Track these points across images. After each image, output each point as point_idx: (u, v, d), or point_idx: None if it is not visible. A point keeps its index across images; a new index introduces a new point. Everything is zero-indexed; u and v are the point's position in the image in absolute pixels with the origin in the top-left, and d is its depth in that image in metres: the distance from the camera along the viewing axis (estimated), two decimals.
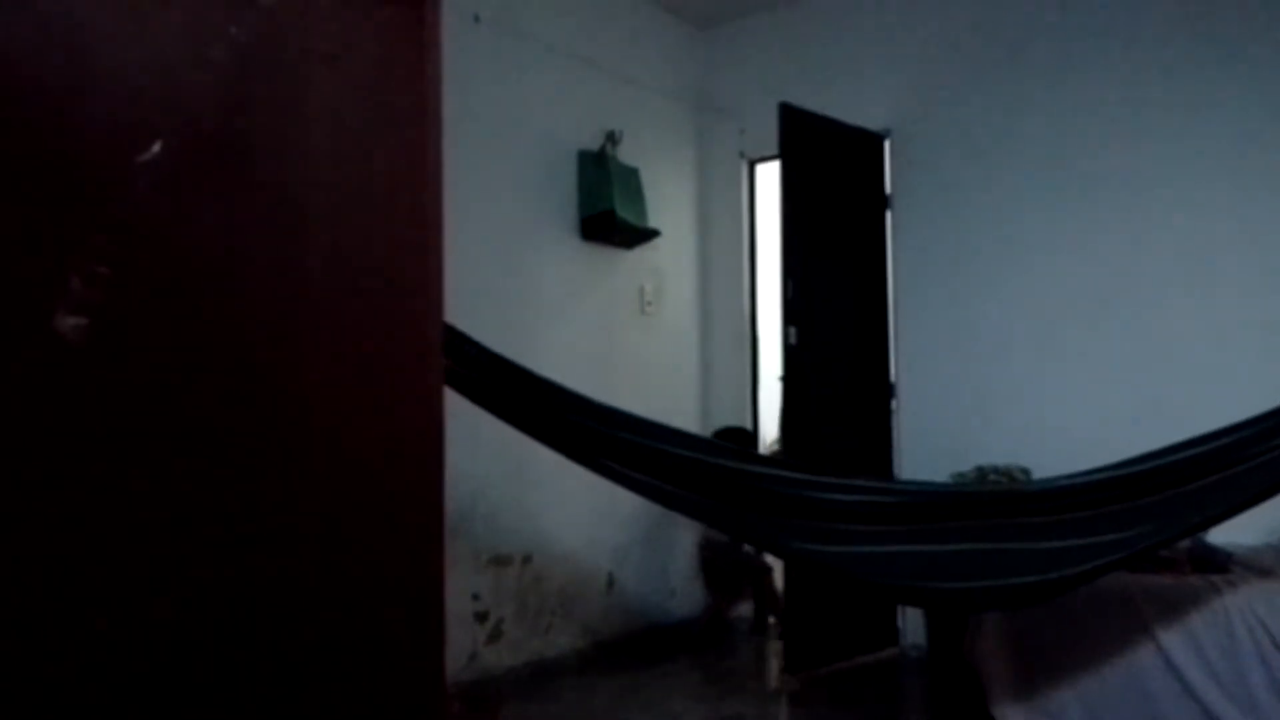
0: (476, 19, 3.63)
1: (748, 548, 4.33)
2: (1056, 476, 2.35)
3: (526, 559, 3.78)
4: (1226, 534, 2.90)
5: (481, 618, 3.59)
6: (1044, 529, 2.21)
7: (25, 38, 0.83)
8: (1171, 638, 2.59)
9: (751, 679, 3.93)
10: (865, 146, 4.15)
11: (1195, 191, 3.51)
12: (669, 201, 4.57)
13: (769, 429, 4.96)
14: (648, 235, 4.30)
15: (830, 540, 2.29)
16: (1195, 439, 2.21)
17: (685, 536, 4.51)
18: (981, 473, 3.47)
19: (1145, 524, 2.17)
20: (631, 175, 4.24)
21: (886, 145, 4.17)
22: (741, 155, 4.75)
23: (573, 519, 3.92)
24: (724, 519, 2.46)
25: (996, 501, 2.37)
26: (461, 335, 2.28)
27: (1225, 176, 3.46)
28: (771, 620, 4.40)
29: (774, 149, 4.71)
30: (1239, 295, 3.41)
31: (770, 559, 4.28)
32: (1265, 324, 3.36)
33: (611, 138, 4.14)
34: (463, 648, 3.48)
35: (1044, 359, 3.80)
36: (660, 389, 4.51)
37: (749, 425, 4.71)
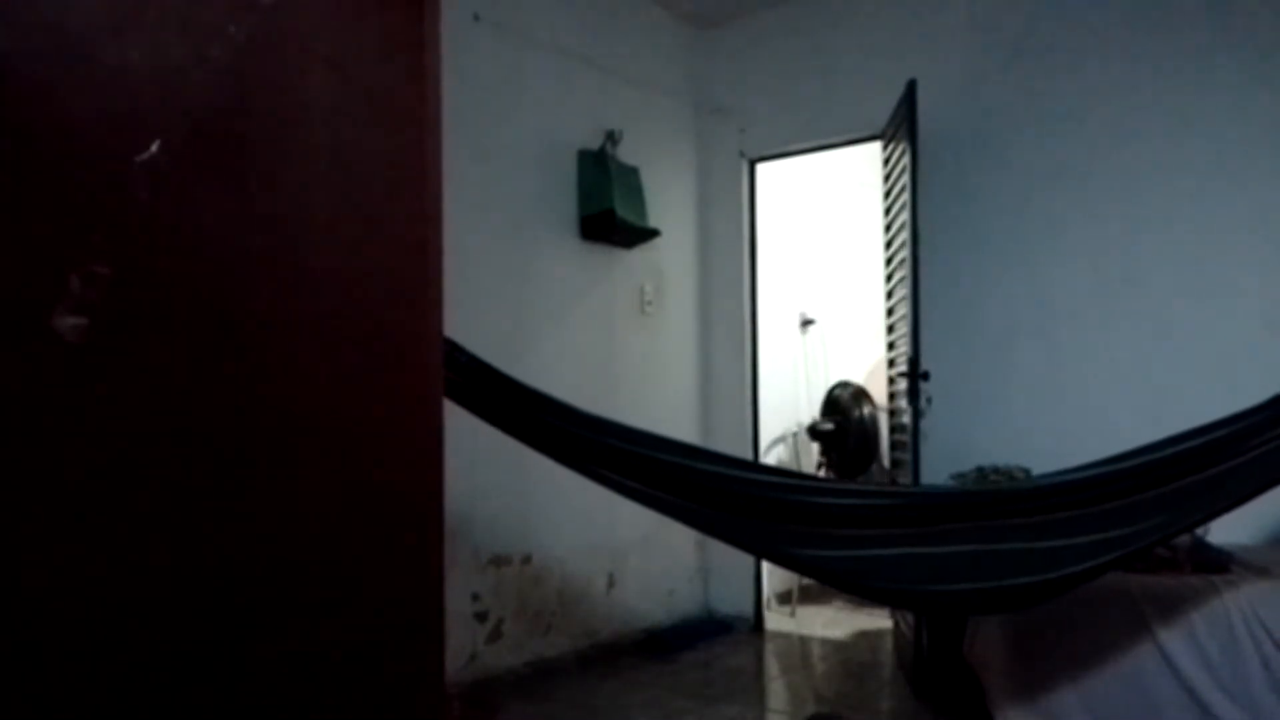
0: (476, 18, 3.62)
1: None
2: (1053, 472, 2.34)
3: (526, 559, 3.78)
4: (1226, 534, 2.91)
5: (481, 618, 3.59)
6: (1044, 527, 2.20)
7: (25, 38, 0.83)
8: (1171, 638, 2.59)
9: (752, 680, 3.93)
10: None
11: (1199, 190, 3.51)
12: (669, 201, 4.57)
13: (768, 428, 4.96)
14: (648, 235, 4.29)
15: (828, 545, 2.28)
16: (1192, 431, 2.19)
17: (684, 537, 4.50)
18: (982, 473, 3.47)
19: (1146, 519, 2.16)
20: (631, 175, 4.23)
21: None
22: (741, 155, 4.75)
23: (573, 519, 3.92)
24: (719, 526, 2.44)
25: (995, 501, 2.35)
26: (452, 343, 2.27)
27: (1230, 175, 3.45)
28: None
29: (774, 149, 4.75)
30: (1243, 295, 3.41)
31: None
32: (1270, 324, 3.36)
33: (611, 137, 4.14)
34: (463, 648, 3.48)
35: (1045, 359, 3.80)
36: (660, 389, 4.51)
37: (749, 426, 4.71)
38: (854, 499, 2.43)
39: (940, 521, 2.27)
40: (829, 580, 2.50)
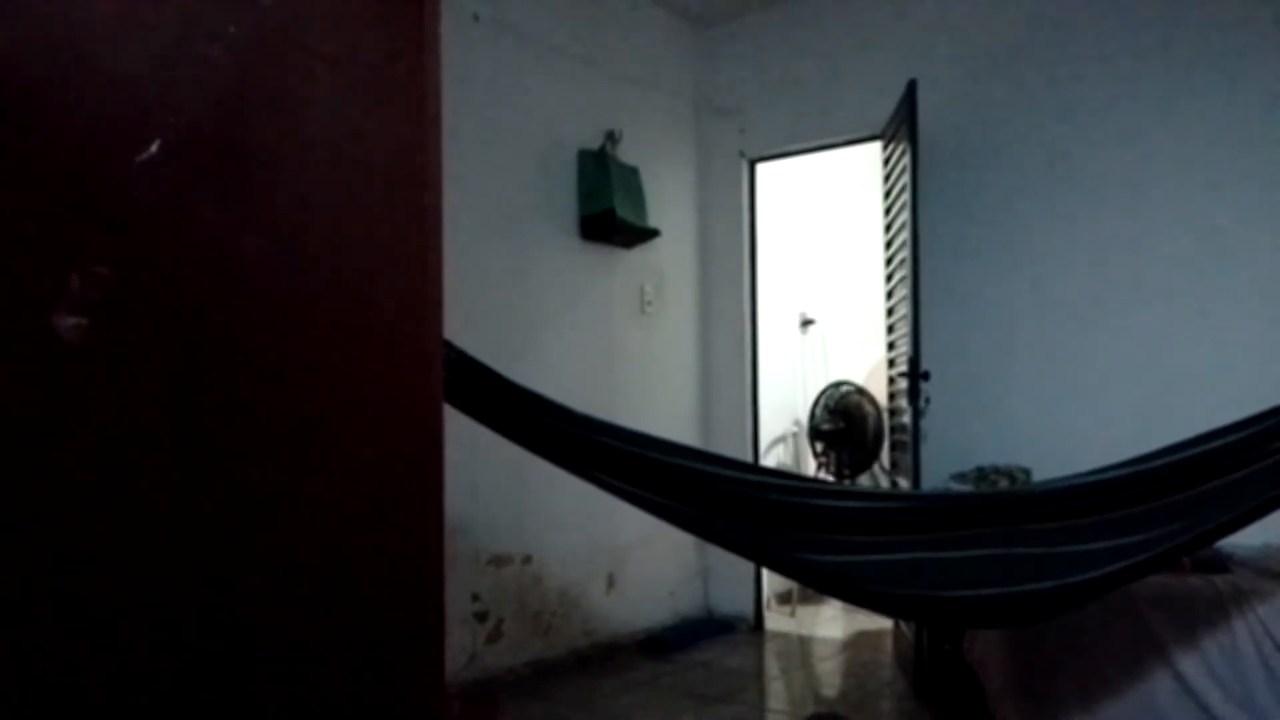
0: (476, 18, 3.63)
1: None
2: (1068, 475, 2.24)
3: (526, 559, 3.78)
4: None
5: (481, 618, 3.59)
6: (1063, 532, 2.10)
7: (25, 38, 0.83)
8: (1171, 638, 2.59)
9: (752, 680, 3.93)
10: None
11: (1199, 190, 3.51)
12: (669, 201, 4.57)
13: (768, 428, 4.96)
14: (648, 235, 4.29)
15: (832, 550, 2.19)
16: (1213, 431, 2.08)
17: (684, 537, 4.50)
18: (982, 473, 3.47)
19: (1169, 525, 2.05)
20: (631, 175, 4.24)
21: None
22: (741, 155, 4.75)
23: (572, 519, 3.92)
24: (718, 531, 2.37)
25: (1008, 505, 2.26)
26: (443, 340, 2.20)
27: (1231, 174, 3.45)
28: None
29: (774, 149, 4.74)
30: (1244, 294, 3.41)
31: None
32: (1269, 325, 3.36)
33: (611, 137, 4.14)
34: (463, 648, 3.48)
35: (1046, 359, 3.80)
36: (660, 389, 4.51)
37: (749, 426, 4.71)
38: (861, 502, 2.37)
39: (953, 526, 2.15)
40: (833, 587, 2.40)
